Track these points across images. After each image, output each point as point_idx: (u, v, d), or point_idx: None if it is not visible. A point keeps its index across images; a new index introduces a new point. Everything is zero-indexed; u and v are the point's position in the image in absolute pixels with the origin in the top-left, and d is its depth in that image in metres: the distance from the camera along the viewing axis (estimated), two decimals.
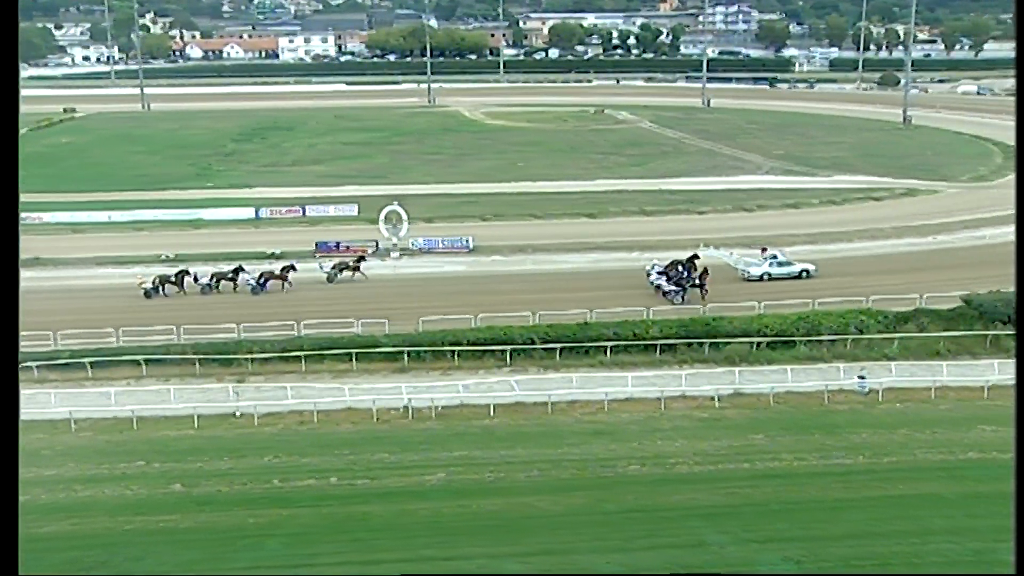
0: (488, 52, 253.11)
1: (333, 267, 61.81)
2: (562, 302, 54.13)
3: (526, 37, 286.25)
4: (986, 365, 45.60)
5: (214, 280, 59.06)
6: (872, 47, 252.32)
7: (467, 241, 69.27)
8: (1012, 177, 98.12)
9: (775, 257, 62.41)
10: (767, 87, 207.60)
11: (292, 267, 60.54)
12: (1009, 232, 69.48)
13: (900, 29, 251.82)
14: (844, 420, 40.87)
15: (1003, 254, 64.09)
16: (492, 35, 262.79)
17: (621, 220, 78.48)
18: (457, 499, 34.21)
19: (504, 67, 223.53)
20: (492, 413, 41.79)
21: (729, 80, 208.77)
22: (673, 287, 56.76)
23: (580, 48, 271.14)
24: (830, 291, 55.47)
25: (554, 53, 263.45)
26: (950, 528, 31.75)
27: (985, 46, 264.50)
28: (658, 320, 49.74)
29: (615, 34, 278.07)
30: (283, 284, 59.41)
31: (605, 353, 47.50)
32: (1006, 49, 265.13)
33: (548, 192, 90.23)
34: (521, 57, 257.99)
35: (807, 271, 61.04)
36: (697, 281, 56.87)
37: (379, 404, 42.00)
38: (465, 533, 31.85)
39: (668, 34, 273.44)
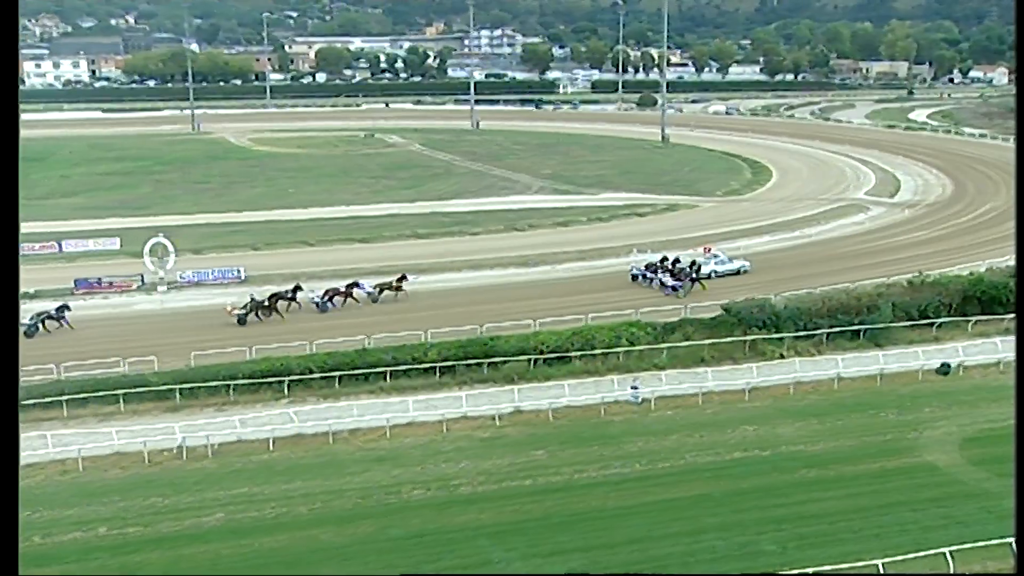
0: (254, 77, 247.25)
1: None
2: (337, 328, 53.63)
3: (292, 61, 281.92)
4: (746, 369, 48.74)
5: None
6: (630, 69, 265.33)
7: (238, 272, 67.25)
8: (761, 191, 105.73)
9: (717, 256, 67.75)
10: (533, 108, 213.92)
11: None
12: (760, 243, 74.92)
13: (655, 53, 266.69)
14: (620, 430, 42.46)
15: (756, 262, 69.29)
16: (257, 59, 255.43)
17: (395, 244, 78.58)
18: (237, 539, 33.07)
19: (271, 92, 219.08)
20: (271, 447, 40.69)
21: (496, 102, 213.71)
22: (676, 281, 62.20)
23: (348, 72, 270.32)
24: (603, 306, 57.77)
25: (321, 77, 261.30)
26: (719, 525, 33.60)
27: (730, 69, 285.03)
28: (436, 343, 50.04)
29: (383, 58, 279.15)
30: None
31: (385, 378, 47.29)
32: (748, 72, 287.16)
33: (320, 218, 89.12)
34: (288, 82, 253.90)
35: (744, 268, 67.60)
36: (695, 275, 62.83)
37: (150, 446, 39.97)
38: (247, 573, 30.81)
39: (435, 57, 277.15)
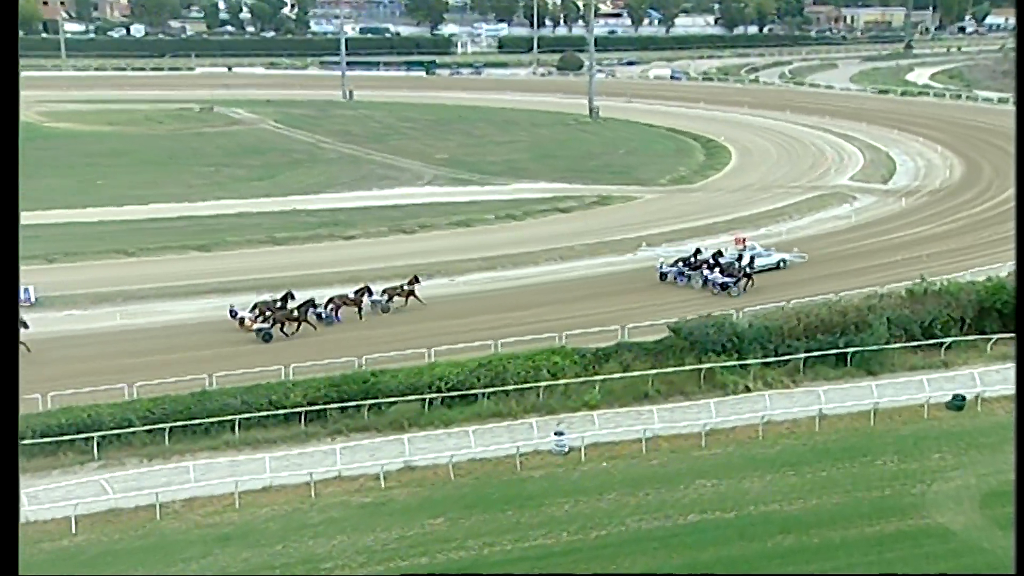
0: (41, 27, 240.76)
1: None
2: (169, 365, 52.91)
3: (96, 8, 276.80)
4: (701, 406, 49.49)
5: None
6: (548, 22, 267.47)
7: (26, 292, 65.77)
8: (717, 177, 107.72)
9: (752, 248, 71.96)
10: (423, 74, 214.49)
11: None
12: (716, 245, 76.08)
13: (580, 1, 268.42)
14: (541, 489, 42.69)
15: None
16: (45, 2, 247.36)
17: (244, 252, 77.93)
18: None
19: (66, 48, 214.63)
20: (74, 529, 39.86)
21: (375, 66, 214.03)
22: (727, 279, 65.98)
23: (175, 24, 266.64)
24: (518, 327, 58.37)
25: (138, 30, 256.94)
26: None
27: (676, 21, 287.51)
28: (301, 381, 49.72)
29: (222, 6, 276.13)
30: None
31: (233, 430, 46.76)
32: (700, 24, 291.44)
33: (140, 219, 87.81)
34: (92, 36, 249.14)
35: (786, 261, 71.99)
36: (748, 270, 67.06)
37: None
38: None
39: (293, 6, 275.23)
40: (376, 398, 48.56)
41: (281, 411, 47.66)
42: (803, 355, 53.71)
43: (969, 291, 58.94)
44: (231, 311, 61.88)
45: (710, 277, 67.28)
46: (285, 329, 60.00)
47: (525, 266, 73.63)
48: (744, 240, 74.78)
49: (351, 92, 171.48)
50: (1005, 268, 66.16)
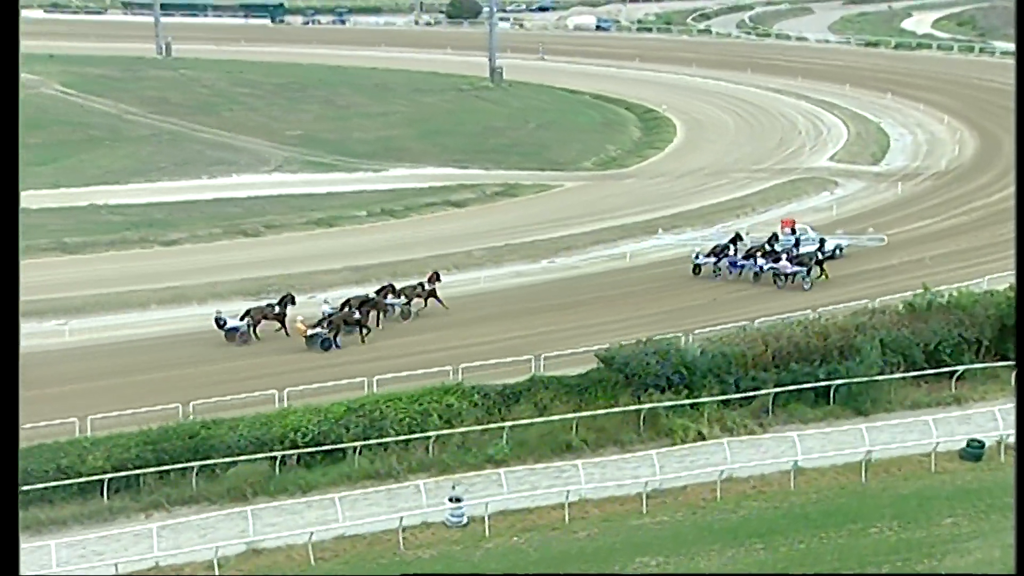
0: None
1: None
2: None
3: None
4: (641, 459, 49.61)
5: None
6: None
7: None
8: (658, 159, 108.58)
9: (804, 233, 75.77)
10: (268, 22, 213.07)
11: None
12: (649, 247, 77.25)
13: None
14: (431, 572, 42.65)
15: (652, 279, 71.21)
16: None
17: (23, 261, 76.53)
18: None
19: None
20: None
21: (202, 10, 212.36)
22: (796, 267, 69.86)
23: None
24: (398, 359, 58.61)
25: None
26: None
27: None
28: (103, 438, 48.95)
29: None
30: None
31: None
32: None
33: None
34: None
35: (842, 246, 76.22)
36: (820, 256, 71.27)
37: None
38: None
39: None
40: (209, 458, 48.07)
41: (75, 480, 46.90)
42: (773, 390, 54.21)
43: (986, 304, 59.49)
44: (217, 320, 63.74)
45: (775, 266, 70.20)
46: (338, 339, 63.28)
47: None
48: (794, 223, 77.28)
49: (168, 46, 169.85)
50: None
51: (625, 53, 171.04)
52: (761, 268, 70.90)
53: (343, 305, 65.25)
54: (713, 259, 72.62)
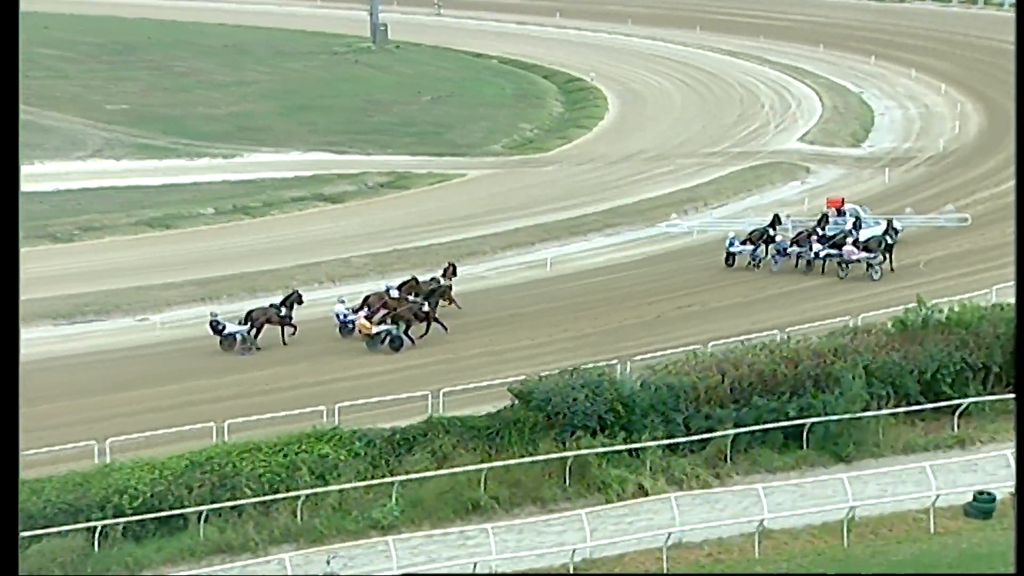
0: None
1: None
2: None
3: None
4: (568, 521, 49.02)
5: None
6: None
7: None
8: (586, 140, 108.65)
9: (855, 212, 78.02)
10: None
11: None
12: (568, 253, 77.57)
13: None
14: None
15: (580, 292, 70.93)
16: None
17: None
18: None
19: None
20: None
21: None
22: (865, 253, 72.48)
23: None
24: (255, 397, 58.34)
25: None
26: None
27: None
28: None
29: None
30: None
31: None
32: None
33: None
34: None
35: (895, 230, 76.78)
36: (888, 240, 73.91)
37: None
38: None
39: None
40: None
41: None
42: (732, 431, 53.68)
43: (995, 320, 59.26)
44: (212, 324, 65.67)
45: (839, 252, 72.17)
46: (411, 332, 65.93)
47: (268, 293, 72.76)
48: (842, 202, 79.15)
49: None
50: None
51: (543, 6, 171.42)
52: (817, 254, 72.40)
53: (363, 302, 67.11)
54: (751, 246, 74.11)
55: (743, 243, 74.77)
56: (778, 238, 74.69)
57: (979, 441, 55.40)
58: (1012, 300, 62.01)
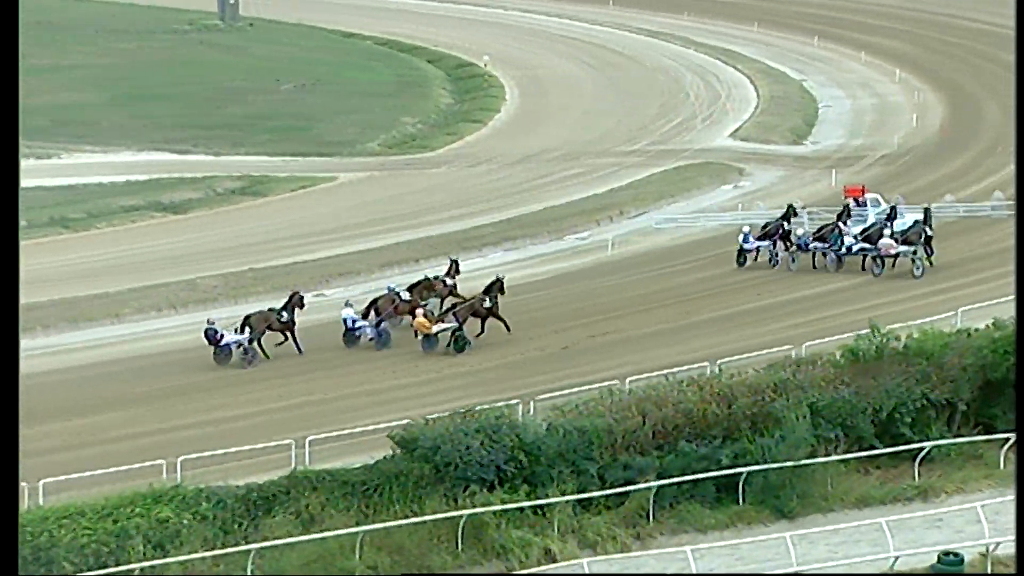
0: None
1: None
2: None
3: None
4: None
5: None
6: None
7: None
8: (478, 136, 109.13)
9: (875, 203, 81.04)
10: None
11: None
12: (480, 268, 78.54)
13: None
14: None
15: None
16: None
17: None
18: None
19: None
20: None
21: None
22: (904, 247, 75.38)
23: None
24: (79, 450, 58.16)
25: None
26: None
27: None
28: None
29: None
30: None
31: None
32: None
33: None
34: None
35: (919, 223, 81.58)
36: (928, 232, 77.37)
37: None
38: None
39: None
40: None
41: None
42: (655, 483, 53.91)
43: (961, 350, 59.30)
44: (207, 333, 67.81)
45: (874, 246, 74.42)
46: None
47: (88, 324, 72.63)
48: (862, 190, 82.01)
49: None
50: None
51: None
52: (849, 249, 74.21)
53: (370, 306, 69.20)
54: (768, 242, 75.84)
55: (759, 238, 76.47)
56: (799, 231, 76.48)
57: (944, 492, 55.41)
58: (982, 324, 62.78)
